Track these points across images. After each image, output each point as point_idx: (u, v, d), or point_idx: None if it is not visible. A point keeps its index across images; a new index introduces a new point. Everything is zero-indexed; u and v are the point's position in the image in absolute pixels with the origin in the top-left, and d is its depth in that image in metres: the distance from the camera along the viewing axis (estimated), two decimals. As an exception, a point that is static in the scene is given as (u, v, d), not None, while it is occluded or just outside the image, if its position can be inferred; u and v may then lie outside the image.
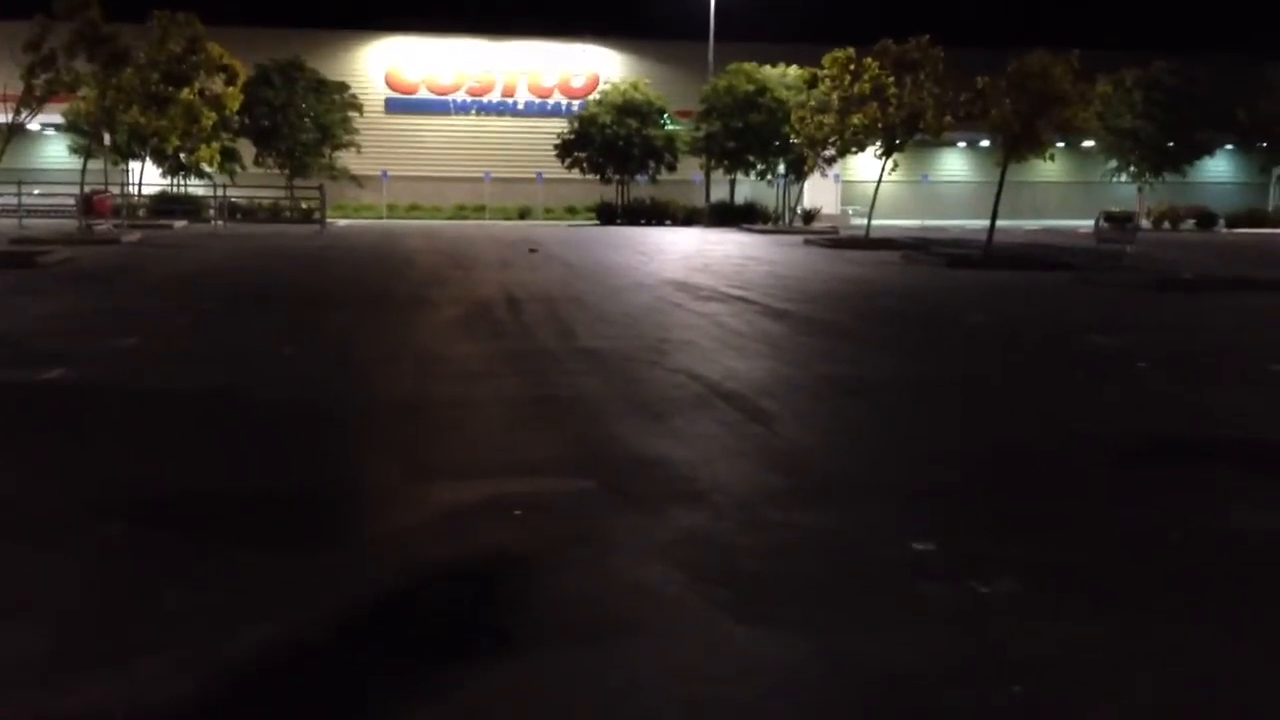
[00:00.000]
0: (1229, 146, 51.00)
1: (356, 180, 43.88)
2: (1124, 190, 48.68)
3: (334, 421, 7.76)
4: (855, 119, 31.92)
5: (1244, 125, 45.03)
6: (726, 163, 44.33)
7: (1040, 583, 4.58)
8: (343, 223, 41.92)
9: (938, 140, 38.23)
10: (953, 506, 5.75)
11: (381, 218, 45.99)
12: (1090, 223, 32.73)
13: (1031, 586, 4.53)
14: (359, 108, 44.28)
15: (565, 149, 45.24)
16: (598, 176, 45.36)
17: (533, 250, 20.42)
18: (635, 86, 45.90)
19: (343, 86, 43.94)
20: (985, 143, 42.77)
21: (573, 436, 7.23)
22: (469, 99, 51.85)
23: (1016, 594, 4.45)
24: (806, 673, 3.73)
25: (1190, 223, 47.52)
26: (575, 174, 45.84)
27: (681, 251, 27.64)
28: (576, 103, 49.65)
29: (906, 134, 31.56)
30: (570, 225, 43.62)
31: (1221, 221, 47.46)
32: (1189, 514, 5.65)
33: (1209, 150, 48.40)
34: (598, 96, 46.71)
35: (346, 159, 43.56)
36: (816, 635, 4.02)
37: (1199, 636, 4.06)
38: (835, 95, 32.62)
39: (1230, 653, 3.92)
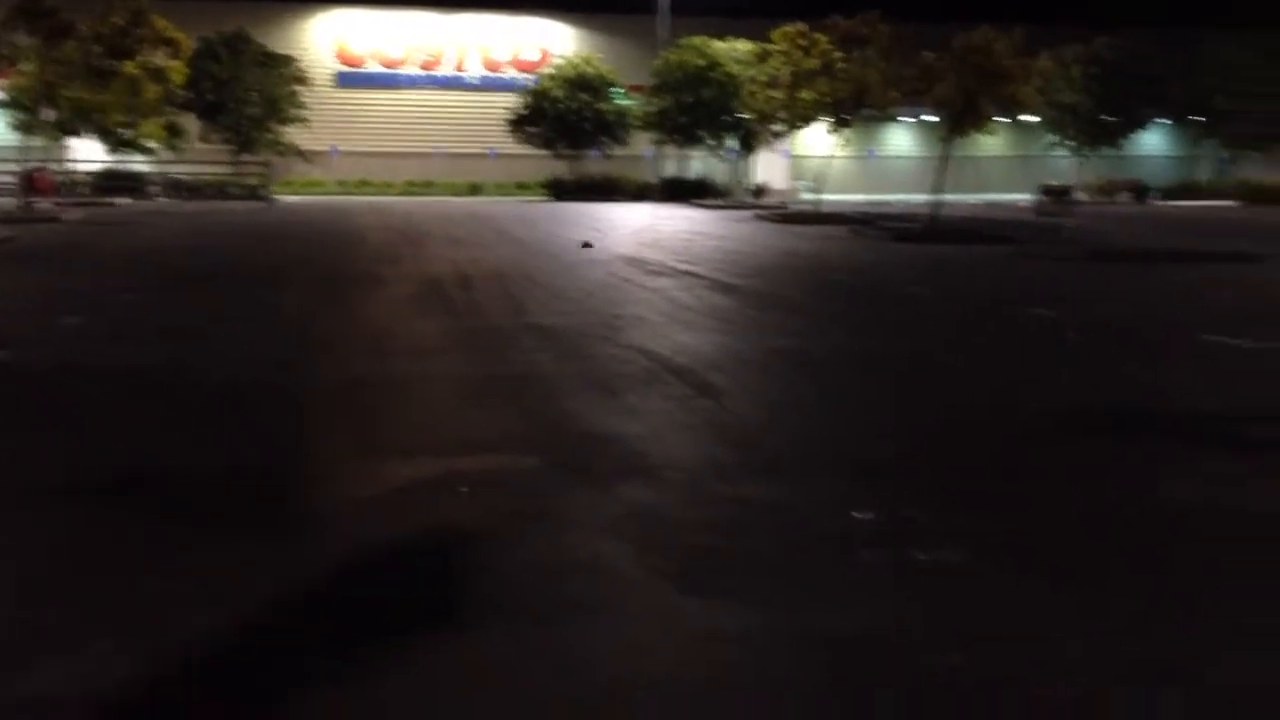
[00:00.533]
0: (1164, 121, 51.76)
1: (304, 156, 43.44)
2: (1064, 164, 49.34)
3: (282, 399, 7.77)
4: (804, 94, 32.09)
5: (1179, 100, 45.74)
6: (678, 138, 44.36)
7: (983, 553, 4.70)
8: (291, 199, 41.50)
9: (885, 115, 38.54)
10: (899, 478, 5.87)
11: (331, 194, 45.59)
12: (1031, 196, 33.18)
13: (975, 556, 4.66)
14: (305, 81, 43.75)
15: (517, 124, 45.04)
16: (549, 152, 45.22)
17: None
18: (587, 61, 45.76)
19: (289, 60, 43.40)
20: (931, 118, 43.12)
21: (523, 413, 7.30)
22: (420, 73, 51.42)
23: (959, 564, 4.57)
24: (756, 644, 3.81)
25: (1126, 195, 48.24)
26: (527, 149, 45.68)
27: (633, 227, 27.67)
28: (528, 77, 49.37)
29: (854, 109, 31.78)
30: (521, 201, 43.48)
31: (1156, 194, 48.22)
32: (1127, 484, 5.82)
33: (1144, 124, 49.13)
34: (550, 70, 46.50)
35: (294, 134, 43.08)
36: (766, 607, 4.10)
37: (1139, 603, 4.20)
38: (785, 70, 32.75)
39: (1172, 623, 4.06)
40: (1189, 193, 48.76)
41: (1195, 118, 47.85)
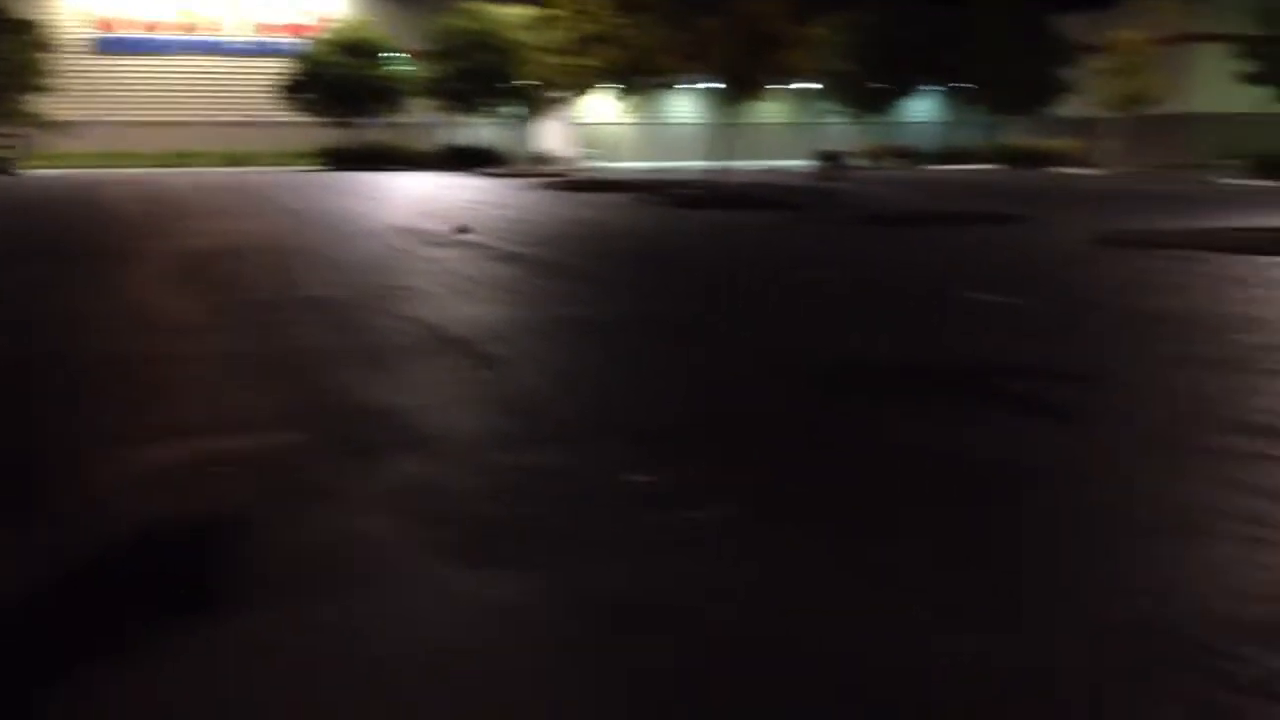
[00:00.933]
0: (933, 88, 54.14)
1: (58, 126, 40.57)
2: (840, 131, 51.04)
3: (30, 381, 7.20)
4: (586, 60, 32.04)
5: (946, 68, 47.91)
6: (459, 105, 43.65)
7: (757, 509, 4.76)
8: (45, 173, 38.80)
9: (667, 82, 38.93)
10: (680, 440, 5.89)
11: (90, 167, 42.83)
12: (809, 162, 34.19)
13: (748, 513, 4.71)
14: (49, 47, 40.68)
15: (290, 91, 43.34)
16: (326, 119, 43.73)
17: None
18: (363, 25, 44.40)
19: (31, 25, 40.28)
20: (712, 85, 43.83)
21: (294, 389, 6.98)
22: (185, 37, 48.72)
23: (733, 520, 4.61)
24: (535, 609, 3.76)
25: (899, 161, 50.34)
26: (303, 117, 44.03)
27: (413, 197, 27.08)
28: (301, 41, 47.46)
29: (636, 75, 31.95)
30: (297, 171, 41.94)
31: (926, 159, 50.51)
32: (891, 435, 6.01)
33: (913, 91, 51.30)
34: (324, 35, 44.87)
35: (46, 104, 40.15)
36: (543, 572, 4.05)
37: (903, 549, 4.32)
38: (566, 36, 32.62)
39: (933, 565, 4.19)
40: (957, 157, 51.19)
41: (961, 85, 50.18)
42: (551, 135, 46.48)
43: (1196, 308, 10.36)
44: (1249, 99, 37.23)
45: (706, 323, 9.84)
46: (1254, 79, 36.52)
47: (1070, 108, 45.93)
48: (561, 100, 34.81)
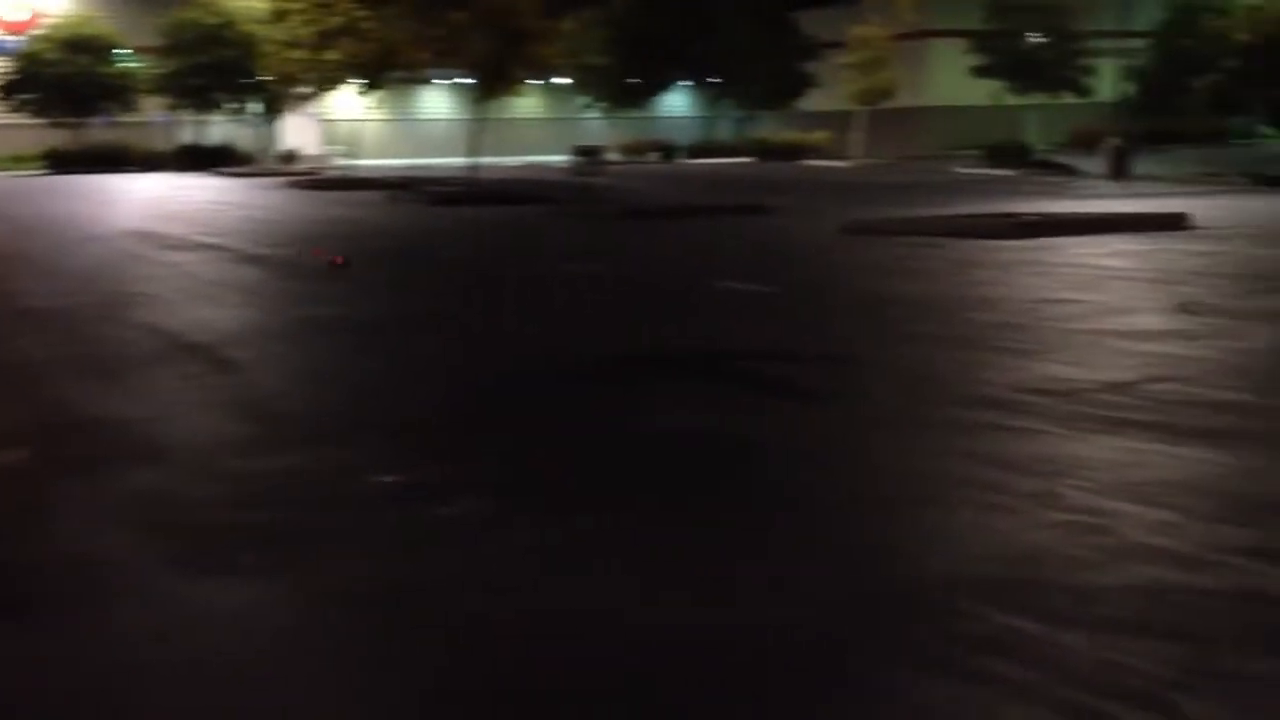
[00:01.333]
0: (686, 83, 55.26)
1: None
2: (596, 126, 51.41)
3: None
4: (329, 55, 31.03)
5: (699, 62, 48.97)
6: (193, 102, 41.54)
7: (507, 502, 4.69)
8: None
9: (417, 77, 38.21)
10: (425, 438, 5.76)
11: None
12: (566, 158, 34.32)
13: (498, 506, 4.64)
14: None
15: (7, 91, 40.24)
16: (49, 120, 40.80)
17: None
18: (86, 21, 41.64)
19: None
20: (465, 80, 43.38)
21: (12, 405, 6.43)
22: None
23: (479, 513, 4.54)
24: (270, 613, 3.62)
25: (655, 155, 51.10)
26: (20, 118, 40.92)
27: (146, 199, 25.61)
28: (17, 39, 44.05)
29: (384, 70, 31.19)
30: (16, 176, 38.95)
31: (682, 153, 51.49)
32: (647, 422, 6.06)
33: (667, 86, 52.21)
34: (44, 32, 41.84)
35: None
36: (279, 577, 3.89)
37: (648, 531, 4.36)
38: (307, 29, 31.50)
39: (676, 544, 4.23)
40: (712, 151, 52.33)
41: (713, 79, 51.37)
42: (298, 133, 44.83)
43: (933, 290, 10.89)
44: (982, 91, 39.83)
45: (461, 319, 9.67)
46: (985, 72, 39.07)
47: (818, 102, 47.81)
48: (306, 96, 33.54)
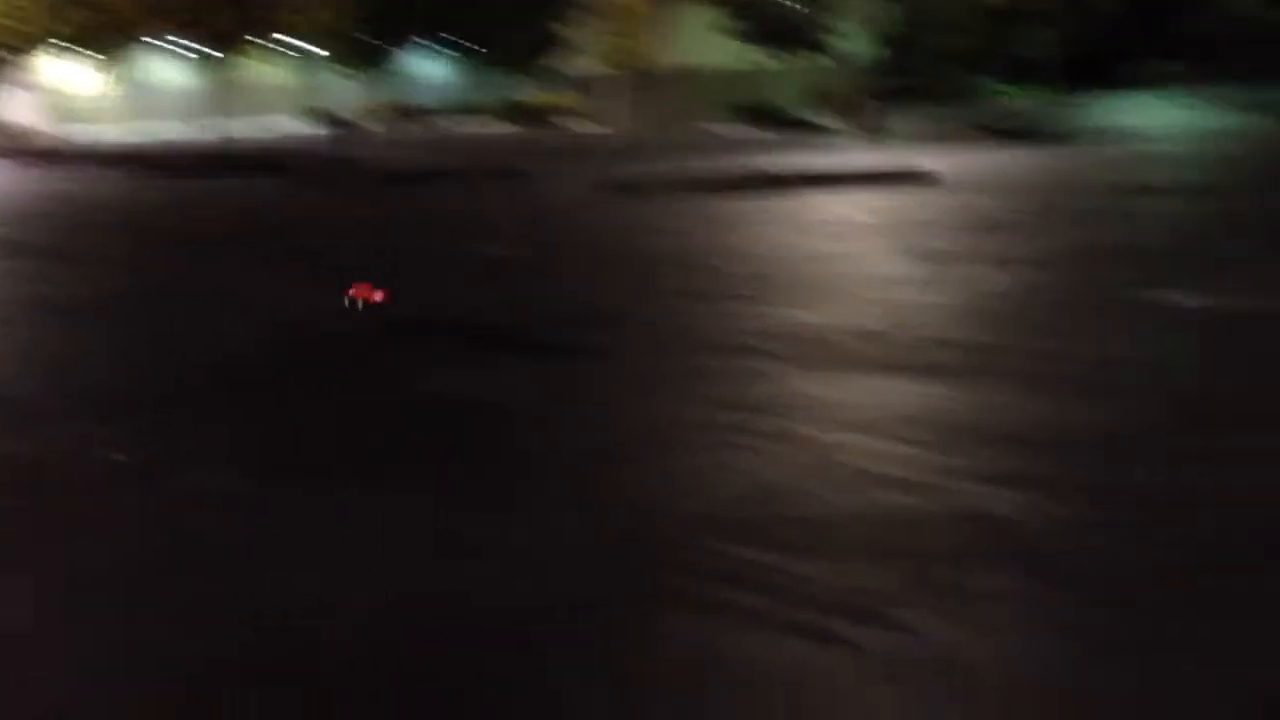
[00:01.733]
0: (438, 46, 54.15)
1: None
2: (344, 89, 49.65)
3: None
4: (39, 21, 28.88)
5: (445, 23, 47.95)
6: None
7: (250, 473, 4.54)
8: None
9: (150, 44, 36.06)
10: (163, 415, 5.49)
11: None
12: (312, 123, 33.15)
13: (242, 477, 4.48)
14: None
15: None
16: None
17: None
18: None
19: None
20: (200, 47, 41.20)
21: None
22: None
23: (221, 488, 4.35)
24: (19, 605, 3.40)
25: (408, 118, 49.79)
26: None
27: None
28: None
29: (108, 36, 29.30)
30: None
31: (437, 116, 50.40)
32: (403, 389, 5.99)
33: (410, 46, 50.88)
34: None
35: None
36: (26, 566, 3.69)
37: (400, 495, 4.28)
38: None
39: (429, 507, 4.17)
40: (466, 114, 51.49)
41: (464, 41, 50.45)
42: (15, 103, 41.59)
43: (687, 245, 11.07)
44: (734, 54, 40.75)
45: (195, 293, 9.16)
46: (740, 35, 39.98)
47: (574, 65, 47.72)
48: (17, 65, 31.12)
